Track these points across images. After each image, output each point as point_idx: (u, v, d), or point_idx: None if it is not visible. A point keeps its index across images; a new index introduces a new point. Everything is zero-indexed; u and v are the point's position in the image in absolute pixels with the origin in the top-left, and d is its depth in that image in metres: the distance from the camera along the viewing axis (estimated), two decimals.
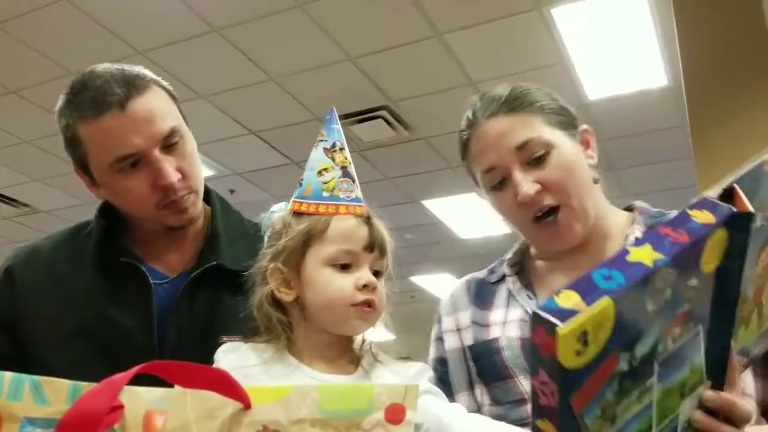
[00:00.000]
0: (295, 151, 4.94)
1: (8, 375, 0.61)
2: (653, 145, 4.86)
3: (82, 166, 1.19)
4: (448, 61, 3.86)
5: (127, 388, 0.63)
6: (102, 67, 1.16)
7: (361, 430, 0.66)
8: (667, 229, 0.69)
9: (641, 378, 0.68)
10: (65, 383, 0.63)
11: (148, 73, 1.18)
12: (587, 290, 0.60)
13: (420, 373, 1.00)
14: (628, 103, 4.33)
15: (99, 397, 0.57)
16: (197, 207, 1.22)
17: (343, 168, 1.05)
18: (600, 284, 0.61)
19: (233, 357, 0.98)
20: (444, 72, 3.96)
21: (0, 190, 5.70)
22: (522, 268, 1.25)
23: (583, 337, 0.58)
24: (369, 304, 0.99)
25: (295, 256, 1.01)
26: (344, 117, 4.43)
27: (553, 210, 1.12)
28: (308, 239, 1.01)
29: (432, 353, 1.29)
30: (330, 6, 3.44)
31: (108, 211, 1.26)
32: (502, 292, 1.23)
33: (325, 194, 1.03)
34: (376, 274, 1.02)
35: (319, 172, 1.04)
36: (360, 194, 1.06)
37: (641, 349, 0.66)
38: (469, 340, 1.21)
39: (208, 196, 1.30)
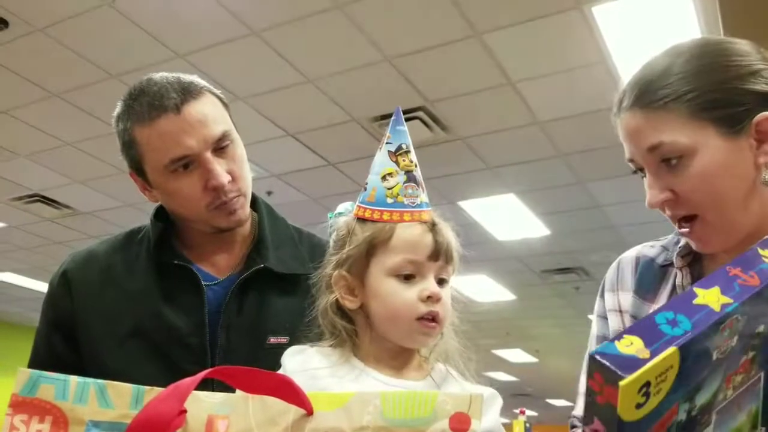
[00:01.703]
0: (333, 152, 4.94)
1: (74, 379, 0.62)
2: None
3: (137, 169, 1.23)
4: (487, 61, 3.82)
5: None
6: (158, 75, 1.21)
7: None
8: (736, 270, 0.66)
9: (698, 428, 0.64)
10: (129, 387, 0.63)
11: (202, 81, 1.23)
12: (651, 336, 0.57)
13: (490, 402, 0.94)
14: None
15: (167, 402, 0.57)
16: (245, 210, 1.25)
17: (408, 172, 1.02)
18: (664, 330, 0.58)
19: (300, 359, 0.97)
20: (482, 72, 3.92)
21: (42, 192, 5.80)
22: (694, 259, 1.09)
23: (646, 389, 0.55)
24: (433, 317, 0.96)
25: (359, 265, 1.00)
26: (381, 118, 4.41)
27: (691, 216, 0.98)
28: (372, 248, 0.99)
29: (596, 330, 1.19)
30: (368, 7, 3.43)
31: (161, 216, 1.29)
32: (668, 284, 1.11)
33: (389, 200, 1.00)
34: (441, 282, 1.00)
35: (383, 177, 1.02)
36: (426, 198, 1.03)
37: (701, 399, 0.62)
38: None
39: (254, 202, 1.34)
